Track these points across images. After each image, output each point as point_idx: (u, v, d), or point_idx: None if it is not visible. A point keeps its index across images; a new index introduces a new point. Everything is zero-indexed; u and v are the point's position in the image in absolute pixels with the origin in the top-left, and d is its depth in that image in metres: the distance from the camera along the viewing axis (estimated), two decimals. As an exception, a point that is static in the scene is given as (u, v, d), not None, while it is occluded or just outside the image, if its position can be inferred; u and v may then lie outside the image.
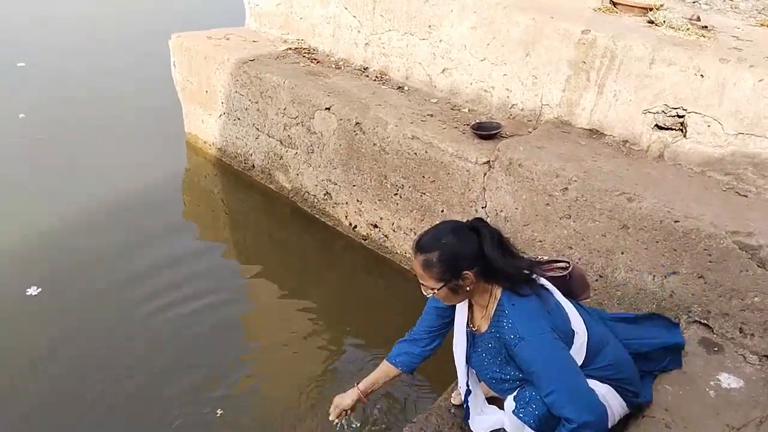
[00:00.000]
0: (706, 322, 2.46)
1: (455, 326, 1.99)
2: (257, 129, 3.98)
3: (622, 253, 2.56)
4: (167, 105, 4.81)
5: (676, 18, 3.02)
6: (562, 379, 1.66)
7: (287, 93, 3.68)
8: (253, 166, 4.17)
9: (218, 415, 2.61)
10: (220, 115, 4.18)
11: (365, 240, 3.68)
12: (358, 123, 3.38)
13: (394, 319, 3.28)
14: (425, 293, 1.83)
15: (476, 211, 3.03)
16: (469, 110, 3.45)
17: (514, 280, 1.76)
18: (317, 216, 3.89)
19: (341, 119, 3.45)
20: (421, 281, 1.80)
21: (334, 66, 3.98)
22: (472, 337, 1.92)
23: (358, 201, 3.59)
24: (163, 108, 4.92)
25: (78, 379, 2.73)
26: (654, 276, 2.49)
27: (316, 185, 3.80)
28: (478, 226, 1.78)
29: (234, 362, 2.91)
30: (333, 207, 3.77)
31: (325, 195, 3.78)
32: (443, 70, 3.56)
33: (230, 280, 3.54)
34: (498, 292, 1.79)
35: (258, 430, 2.56)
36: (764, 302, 2.33)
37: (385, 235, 3.54)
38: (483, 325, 1.84)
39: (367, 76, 3.86)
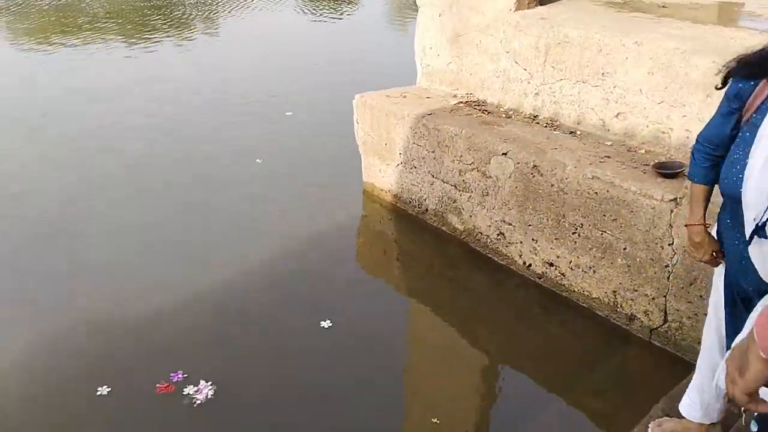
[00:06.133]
0: None
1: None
2: (432, 176, 4.32)
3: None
4: (345, 161, 5.34)
5: None
6: None
7: (464, 141, 3.98)
8: (427, 210, 4.49)
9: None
10: (397, 165, 4.58)
11: (540, 278, 3.82)
12: (535, 166, 3.59)
13: (569, 358, 3.37)
14: None
15: (662, 247, 3.10)
16: (645, 151, 3.54)
17: None
18: (490, 255, 4.10)
19: (518, 163, 3.68)
20: None
21: (504, 115, 4.26)
22: None
23: (533, 240, 3.76)
24: (341, 159, 5.47)
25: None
26: None
27: (489, 226, 4.03)
28: None
29: (398, 400, 3.12)
30: (506, 246, 3.96)
31: (498, 235, 3.99)
32: (617, 114, 3.70)
33: (399, 318, 3.83)
34: None
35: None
36: None
37: (562, 273, 3.66)
38: None
39: (538, 123, 4.09)
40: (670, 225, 3.03)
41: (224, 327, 3.54)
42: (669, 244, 3.07)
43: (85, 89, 7.70)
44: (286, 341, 3.44)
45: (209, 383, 3.05)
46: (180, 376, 3.10)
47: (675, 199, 3.00)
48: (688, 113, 3.36)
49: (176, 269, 4.09)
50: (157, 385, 3.04)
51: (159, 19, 11.85)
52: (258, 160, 5.65)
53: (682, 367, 3.02)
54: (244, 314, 3.66)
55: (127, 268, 4.08)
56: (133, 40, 10.32)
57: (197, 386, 3.04)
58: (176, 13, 12.41)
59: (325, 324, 3.49)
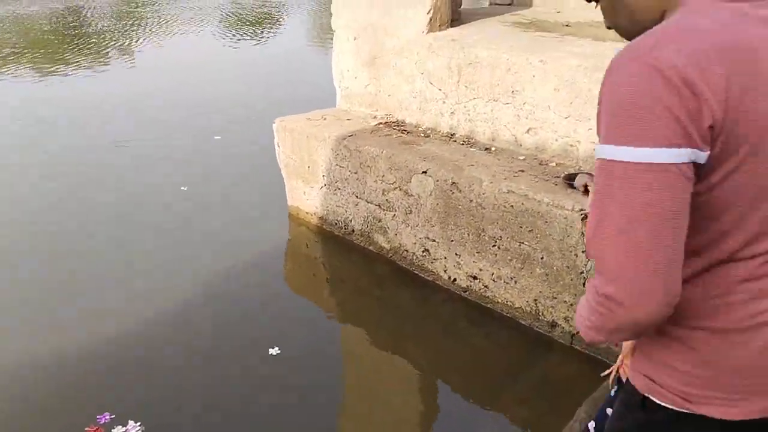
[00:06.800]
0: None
1: None
2: (356, 196, 4.36)
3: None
4: (269, 185, 5.30)
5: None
6: None
7: (385, 161, 4.05)
8: (353, 230, 4.52)
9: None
10: (321, 187, 4.59)
11: (465, 292, 3.91)
12: (454, 183, 3.69)
13: (495, 369, 3.45)
14: None
15: (576, 255, 3.24)
16: (556, 164, 3.71)
17: None
18: (416, 272, 4.16)
19: (438, 180, 3.77)
20: None
21: (422, 135, 4.36)
22: None
23: (456, 255, 3.85)
24: (266, 187, 5.42)
25: None
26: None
27: (414, 243, 4.09)
28: None
29: (331, 420, 3.11)
30: (432, 263, 4.04)
31: (423, 252, 4.06)
32: (528, 130, 3.86)
33: (328, 337, 3.82)
34: None
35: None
36: None
37: (486, 286, 3.76)
38: None
39: (455, 141, 4.21)
40: (582, 233, 3.18)
41: (154, 362, 3.40)
42: (582, 252, 3.22)
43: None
44: (226, 372, 3.34)
45: (138, 423, 2.93)
46: (107, 417, 2.95)
47: (584, 209, 3.16)
48: (593, 126, 3.53)
49: (101, 301, 3.91)
50: (86, 429, 2.90)
51: (76, 48, 11.51)
52: (183, 188, 5.52)
53: (603, 369, 3.12)
54: (172, 347, 3.53)
55: (47, 303, 3.89)
56: (47, 71, 9.94)
57: (126, 427, 2.92)
58: (93, 40, 12.07)
59: (274, 351, 3.44)
